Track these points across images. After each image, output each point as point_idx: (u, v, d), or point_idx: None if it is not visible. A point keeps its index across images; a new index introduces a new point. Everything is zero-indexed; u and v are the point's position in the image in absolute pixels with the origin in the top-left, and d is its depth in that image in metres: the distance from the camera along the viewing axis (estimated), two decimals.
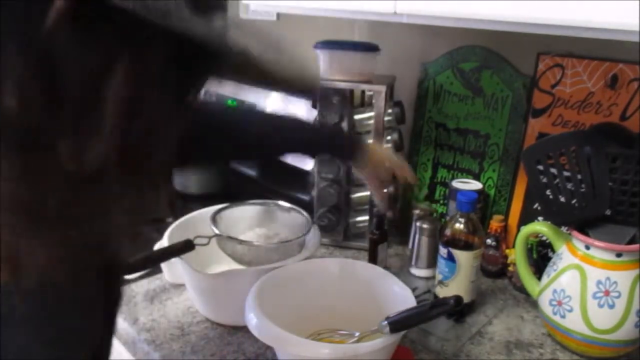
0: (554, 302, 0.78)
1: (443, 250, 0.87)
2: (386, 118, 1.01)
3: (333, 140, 0.86)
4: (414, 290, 0.77)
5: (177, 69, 0.40)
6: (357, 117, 1.03)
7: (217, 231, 0.84)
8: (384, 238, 0.97)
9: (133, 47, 0.37)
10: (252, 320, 0.66)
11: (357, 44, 1.04)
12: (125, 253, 0.47)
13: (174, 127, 0.42)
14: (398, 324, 0.65)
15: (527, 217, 0.96)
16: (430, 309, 0.67)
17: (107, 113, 0.37)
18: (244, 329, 0.77)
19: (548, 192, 0.80)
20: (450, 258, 0.85)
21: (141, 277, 0.95)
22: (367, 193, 1.06)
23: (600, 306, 0.74)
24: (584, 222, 0.78)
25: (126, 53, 0.36)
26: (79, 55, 0.35)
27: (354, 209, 1.08)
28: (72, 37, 0.34)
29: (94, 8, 0.34)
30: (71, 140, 0.37)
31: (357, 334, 0.71)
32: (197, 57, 0.41)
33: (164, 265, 0.93)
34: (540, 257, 0.92)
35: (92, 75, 0.36)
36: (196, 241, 0.82)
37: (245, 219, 0.95)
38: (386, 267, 0.92)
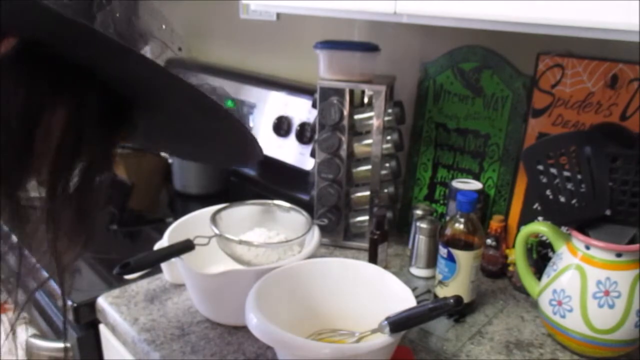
0: (554, 302, 0.78)
1: (443, 250, 0.87)
2: (386, 118, 1.01)
3: None
4: (414, 290, 0.77)
5: (112, 111, 0.41)
6: (357, 117, 1.03)
7: (217, 231, 0.84)
8: (384, 238, 0.97)
9: (71, 91, 0.37)
10: (252, 320, 0.66)
11: (357, 44, 1.04)
12: None
13: (108, 167, 0.44)
14: (398, 324, 0.65)
15: (527, 217, 0.96)
16: (430, 309, 0.67)
17: (43, 155, 0.37)
18: (244, 329, 0.77)
19: (548, 192, 0.80)
20: (450, 258, 0.85)
21: (141, 277, 0.95)
22: (367, 193, 1.06)
23: (600, 306, 0.74)
24: (584, 222, 0.78)
25: (64, 96, 0.37)
26: (16, 97, 0.35)
27: (354, 209, 1.08)
28: (10, 78, 0.35)
29: (34, 52, 0.34)
30: (7, 180, 0.37)
31: (357, 334, 0.71)
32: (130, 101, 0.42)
33: (164, 265, 0.93)
34: (540, 257, 0.92)
35: (28, 117, 0.36)
36: (196, 241, 0.82)
37: (245, 219, 0.95)
38: (386, 267, 0.92)
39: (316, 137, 1.05)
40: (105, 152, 0.43)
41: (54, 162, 0.38)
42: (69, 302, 0.91)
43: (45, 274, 0.46)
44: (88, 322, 0.93)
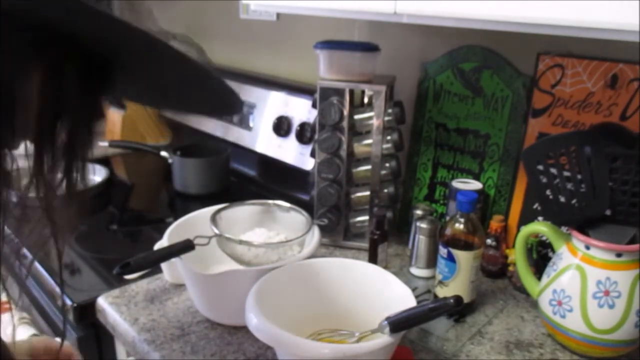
0: (554, 302, 0.78)
1: (443, 250, 0.87)
2: (386, 118, 1.01)
3: None
4: (414, 290, 0.77)
5: (92, 73, 0.42)
6: (357, 117, 1.03)
7: (217, 231, 0.84)
8: (384, 238, 0.97)
9: (47, 51, 0.38)
10: (252, 320, 0.66)
11: (357, 44, 1.04)
12: None
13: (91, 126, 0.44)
14: (398, 324, 0.65)
15: (527, 217, 0.96)
16: (430, 309, 0.67)
17: (27, 115, 0.38)
18: (244, 329, 0.77)
19: (548, 192, 0.80)
20: (450, 258, 0.85)
21: (141, 277, 0.95)
22: (367, 193, 1.06)
23: (600, 306, 0.74)
24: (584, 222, 0.78)
25: (41, 57, 0.37)
26: None
27: (354, 209, 1.08)
28: None
29: (6, 14, 0.34)
30: None
31: (357, 334, 0.71)
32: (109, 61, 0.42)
33: (164, 265, 0.93)
34: (540, 257, 0.92)
35: (8, 82, 0.37)
36: (196, 241, 0.82)
37: (245, 219, 0.95)
38: (386, 267, 0.92)
39: (316, 137, 1.05)
40: (88, 109, 0.43)
41: (37, 122, 0.39)
42: (69, 302, 0.91)
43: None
44: (88, 322, 0.93)
